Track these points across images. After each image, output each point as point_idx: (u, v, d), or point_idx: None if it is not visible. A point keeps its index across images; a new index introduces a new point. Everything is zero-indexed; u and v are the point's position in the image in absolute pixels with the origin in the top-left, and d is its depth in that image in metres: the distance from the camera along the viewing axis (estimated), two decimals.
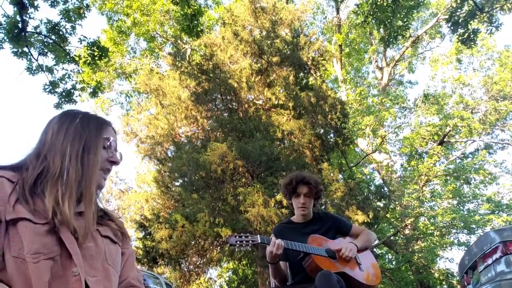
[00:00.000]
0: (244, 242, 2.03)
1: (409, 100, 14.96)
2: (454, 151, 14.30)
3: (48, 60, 5.45)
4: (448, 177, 12.02)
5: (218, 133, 8.92)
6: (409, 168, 13.29)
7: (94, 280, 0.90)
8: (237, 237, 2.04)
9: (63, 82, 5.61)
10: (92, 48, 5.63)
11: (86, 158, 1.00)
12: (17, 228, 0.84)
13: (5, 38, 4.94)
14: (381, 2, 6.12)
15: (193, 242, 7.95)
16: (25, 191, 0.90)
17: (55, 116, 1.09)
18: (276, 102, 9.41)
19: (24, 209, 0.87)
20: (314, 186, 2.40)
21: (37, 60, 5.34)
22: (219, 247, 8.59)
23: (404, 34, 7.10)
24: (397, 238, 11.39)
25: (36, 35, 5.24)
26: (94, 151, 1.02)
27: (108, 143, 1.08)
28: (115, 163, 1.09)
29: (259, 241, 2.05)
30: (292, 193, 2.44)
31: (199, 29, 6.08)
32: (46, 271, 0.83)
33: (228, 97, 9.27)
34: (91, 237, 0.96)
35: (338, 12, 15.27)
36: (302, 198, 2.39)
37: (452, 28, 6.37)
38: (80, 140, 1.01)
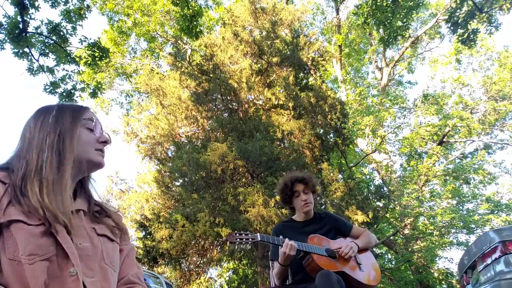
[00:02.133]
0: (244, 240, 2.05)
1: (408, 100, 14.98)
2: (454, 151, 14.32)
3: (49, 61, 5.47)
4: (447, 177, 12.04)
5: (218, 133, 8.94)
6: (408, 168, 13.31)
7: (91, 281, 0.88)
8: (237, 234, 2.07)
9: (64, 82, 5.62)
10: (93, 48, 5.65)
11: (62, 146, 0.97)
12: (11, 230, 0.83)
13: (6, 38, 4.95)
14: (381, 2, 6.14)
15: (193, 242, 7.96)
16: (16, 192, 0.88)
17: (33, 113, 1.06)
18: (276, 102, 9.43)
19: (17, 211, 0.85)
20: (309, 181, 2.44)
21: (38, 60, 5.35)
22: (219, 247, 8.61)
23: (404, 34, 7.12)
24: (396, 238, 11.41)
25: (37, 35, 5.26)
26: (70, 136, 0.99)
27: (93, 124, 1.05)
28: (106, 142, 1.07)
29: (259, 239, 2.07)
30: (291, 195, 2.46)
31: (198, 30, 6.09)
32: (42, 272, 0.82)
33: (228, 97, 9.29)
34: (87, 237, 0.94)
35: (337, 13, 15.30)
36: (303, 195, 2.42)
37: (451, 28, 6.39)
38: (55, 130, 0.99)
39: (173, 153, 9.52)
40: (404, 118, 14.05)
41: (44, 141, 0.97)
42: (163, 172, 9.20)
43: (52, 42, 5.34)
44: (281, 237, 2.13)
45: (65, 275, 0.84)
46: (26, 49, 5.17)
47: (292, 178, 2.45)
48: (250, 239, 2.05)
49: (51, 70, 5.47)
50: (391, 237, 11.01)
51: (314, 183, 2.48)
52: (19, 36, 4.91)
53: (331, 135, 9.38)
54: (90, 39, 5.67)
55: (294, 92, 8.94)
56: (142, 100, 13.41)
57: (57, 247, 0.86)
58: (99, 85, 6.14)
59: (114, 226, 1.05)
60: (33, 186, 0.89)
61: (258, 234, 2.08)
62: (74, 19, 5.44)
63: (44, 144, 0.96)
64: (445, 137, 12.92)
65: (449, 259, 11.57)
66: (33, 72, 5.38)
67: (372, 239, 2.48)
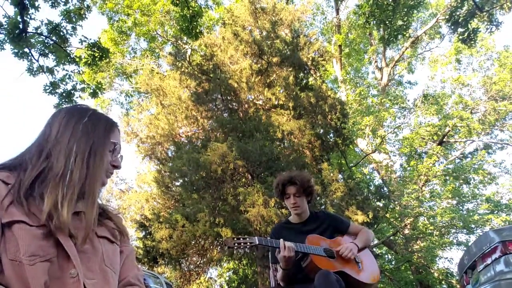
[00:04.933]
0: (242, 244, 2.04)
1: (408, 100, 14.99)
2: (454, 151, 14.32)
3: (49, 61, 5.47)
4: (447, 177, 12.03)
5: (218, 133, 8.93)
6: (408, 168, 13.30)
7: (92, 283, 0.88)
8: (235, 239, 2.06)
9: (64, 83, 5.62)
10: (93, 48, 5.65)
11: (92, 161, 0.96)
12: (13, 230, 0.83)
13: (6, 39, 4.95)
14: (382, 1, 6.14)
15: (193, 242, 7.96)
16: (20, 193, 0.87)
17: (61, 109, 1.04)
18: (276, 102, 9.43)
19: (19, 211, 0.85)
20: (300, 185, 2.40)
21: (37, 61, 5.35)
22: (219, 247, 8.60)
23: (404, 33, 7.13)
24: (396, 238, 11.41)
25: (37, 36, 5.26)
26: (101, 154, 0.99)
27: (114, 147, 1.05)
28: (117, 167, 1.07)
29: (257, 243, 2.06)
30: (283, 195, 2.46)
31: (198, 30, 6.09)
32: (43, 273, 0.82)
33: (228, 97, 9.29)
34: (87, 239, 0.94)
35: (337, 13, 15.29)
36: (292, 198, 2.41)
37: (452, 27, 6.40)
38: (88, 140, 0.97)
39: (173, 153, 9.51)
40: (404, 118, 14.08)
41: (75, 147, 0.95)
42: (163, 172, 9.20)
43: (52, 42, 5.34)
44: (281, 240, 2.12)
45: (65, 276, 0.85)
46: (26, 50, 5.17)
47: (284, 180, 2.43)
48: (248, 243, 2.04)
49: (51, 71, 5.47)
50: (391, 237, 11.01)
51: (306, 186, 2.43)
52: (19, 36, 4.91)
53: (331, 135, 9.37)
54: (90, 39, 5.67)
55: (294, 92, 8.94)
56: (142, 100, 13.42)
57: (58, 248, 0.86)
58: (99, 85, 6.14)
59: (114, 228, 1.05)
60: (55, 190, 0.88)
61: (256, 237, 2.08)
62: (74, 19, 5.44)
63: (73, 151, 0.94)
64: (445, 137, 12.92)
65: (449, 259, 11.60)
66: (33, 73, 5.38)
67: (371, 237, 2.48)
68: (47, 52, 5.36)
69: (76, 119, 1.00)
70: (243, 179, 8.42)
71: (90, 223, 0.92)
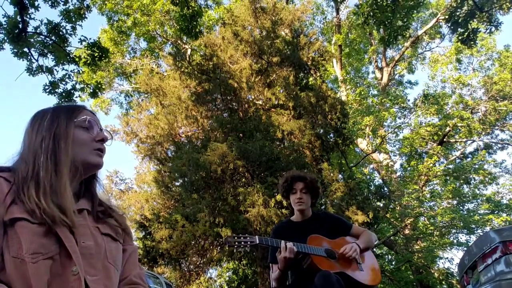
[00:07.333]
0: (242, 243, 2.02)
1: (408, 100, 14.97)
2: (454, 151, 14.32)
3: (48, 61, 5.47)
4: (447, 177, 12.03)
5: (218, 133, 8.92)
6: (409, 168, 13.30)
7: (94, 279, 0.89)
8: (235, 238, 2.04)
9: (63, 82, 5.62)
10: (93, 48, 5.64)
11: (57, 149, 0.97)
12: (15, 228, 0.84)
13: (6, 38, 4.95)
14: (381, 1, 6.13)
15: (193, 242, 7.95)
16: (19, 192, 0.90)
17: (29, 119, 1.07)
18: (276, 102, 9.42)
19: (21, 209, 0.86)
20: (309, 182, 2.44)
21: (37, 60, 5.35)
22: (219, 247, 8.59)
23: (404, 34, 7.12)
24: (397, 238, 11.40)
25: (36, 35, 5.25)
26: (65, 138, 0.99)
27: (87, 123, 1.04)
28: (104, 140, 1.06)
29: (257, 242, 2.05)
30: (289, 190, 2.47)
31: (198, 30, 6.09)
32: (45, 271, 0.82)
33: (228, 97, 9.28)
34: (90, 236, 0.94)
35: (338, 13, 15.29)
36: (299, 193, 2.42)
37: (452, 27, 6.40)
38: (50, 134, 0.99)
39: (173, 153, 9.51)
40: (404, 118, 14.06)
41: (40, 145, 0.98)
42: (163, 172, 9.19)
43: (52, 42, 5.33)
44: (283, 241, 2.09)
45: (67, 273, 0.85)
46: (26, 49, 5.17)
47: (294, 175, 2.48)
48: (249, 242, 2.02)
49: (50, 70, 5.47)
50: (391, 237, 11.00)
51: (315, 184, 2.48)
52: (18, 36, 4.91)
53: (331, 135, 9.36)
54: (90, 39, 5.67)
55: (294, 92, 8.93)
56: (142, 100, 13.39)
57: (61, 245, 0.86)
58: (99, 85, 6.14)
59: (117, 226, 1.06)
60: (29, 189, 0.90)
61: (256, 237, 2.06)
62: (73, 19, 5.43)
63: (40, 149, 0.97)
64: (446, 137, 12.92)
65: (450, 260, 11.59)
66: (33, 72, 5.38)
67: (373, 239, 2.47)
68: (46, 52, 5.36)
69: (39, 120, 1.03)
70: (243, 179, 8.41)
71: (68, 208, 0.91)
